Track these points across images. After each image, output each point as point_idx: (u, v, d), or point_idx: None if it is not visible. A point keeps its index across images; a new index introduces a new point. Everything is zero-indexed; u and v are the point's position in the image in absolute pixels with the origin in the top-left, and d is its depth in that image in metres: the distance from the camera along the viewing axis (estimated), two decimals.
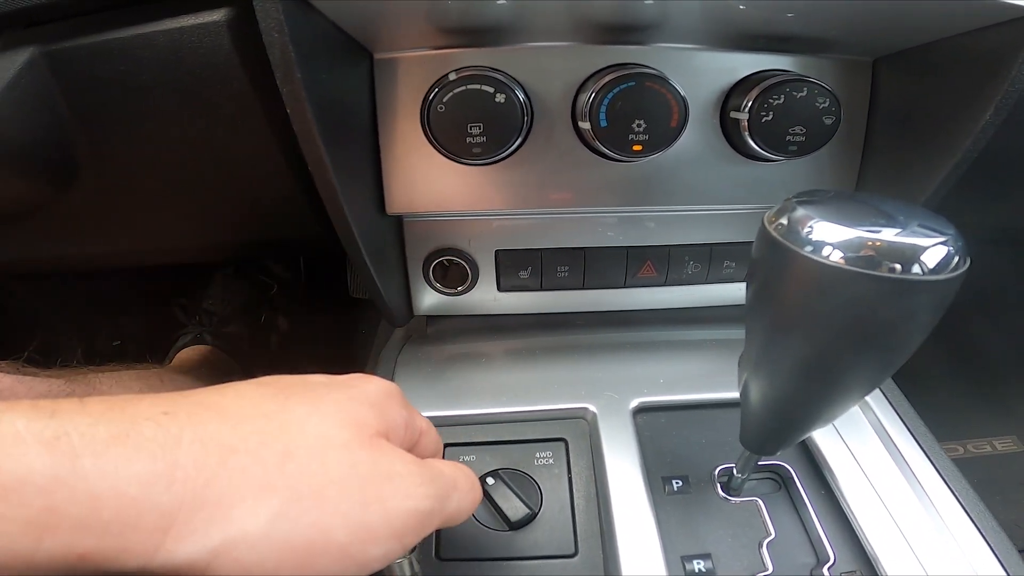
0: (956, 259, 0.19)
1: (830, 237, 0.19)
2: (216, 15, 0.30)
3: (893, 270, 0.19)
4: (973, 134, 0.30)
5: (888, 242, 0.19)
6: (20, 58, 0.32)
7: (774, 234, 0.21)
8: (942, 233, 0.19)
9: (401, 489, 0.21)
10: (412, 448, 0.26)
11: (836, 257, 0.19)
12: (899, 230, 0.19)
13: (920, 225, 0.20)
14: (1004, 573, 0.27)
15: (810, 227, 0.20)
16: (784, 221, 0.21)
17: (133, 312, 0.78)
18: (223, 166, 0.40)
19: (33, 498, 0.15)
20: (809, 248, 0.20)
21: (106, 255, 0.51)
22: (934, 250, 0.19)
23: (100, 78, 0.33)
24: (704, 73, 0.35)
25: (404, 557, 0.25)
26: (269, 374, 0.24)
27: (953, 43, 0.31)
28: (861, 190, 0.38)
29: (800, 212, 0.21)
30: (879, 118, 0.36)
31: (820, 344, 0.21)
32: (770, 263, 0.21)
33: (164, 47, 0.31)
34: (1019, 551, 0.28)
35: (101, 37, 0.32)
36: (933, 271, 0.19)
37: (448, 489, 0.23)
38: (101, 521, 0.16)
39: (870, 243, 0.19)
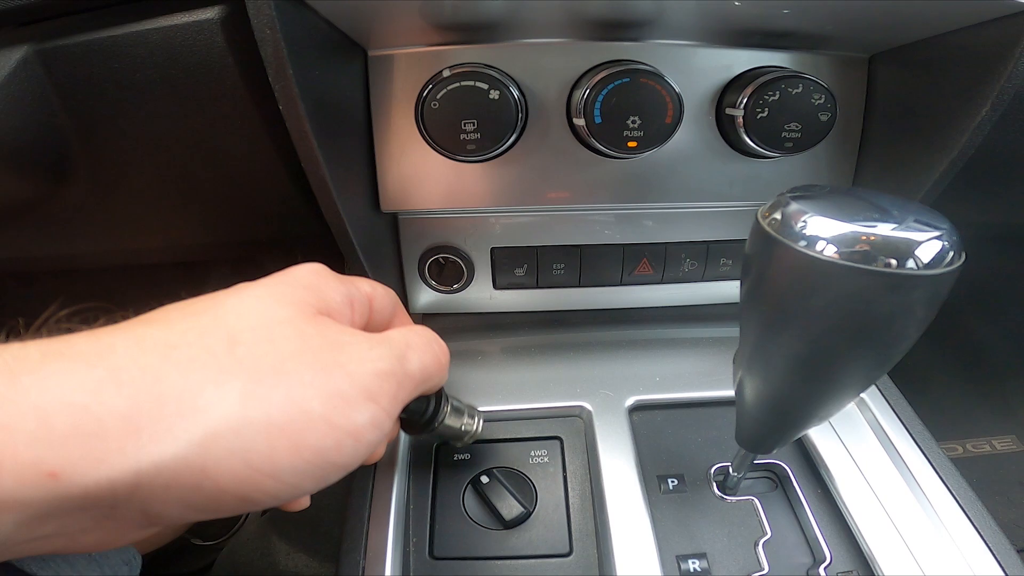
0: (951, 254, 0.19)
1: (824, 232, 0.19)
2: (209, 12, 0.30)
3: (888, 265, 0.18)
4: (969, 130, 0.30)
5: (883, 237, 0.19)
6: (14, 56, 0.32)
7: (768, 229, 0.21)
8: (937, 228, 0.19)
9: (355, 355, 0.21)
10: (369, 319, 0.26)
11: (830, 252, 0.19)
12: (894, 225, 0.19)
13: (915, 220, 0.19)
14: (1002, 573, 0.27)
15: (804, 222, 0.20)
16: (778, 216, 0.21)
17: (129, 310, 0.78)
18: (219, 163, 0.40)
19: None
20: (803, 243, 0.20)
21: (103, 253, 0.51)
22: (929, 245, 0.18)
23: (94, 76, 0.33)
24: (700, 69, 0.35)
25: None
26: None
27: (950, 39, 0.31)
28: (857, 186, 0.37)
29: (794, 207, 0.20)
30: (876, 114, 0.36)
31: (814, 340, 0.21)
32: (764, 258, 0.21)
33: (157, 45, 0.31)
34: (1018, 551, 0.28)
35: (94, 35, 0.31)
36: (928, 266, 0.18)
37: (402, 348, 0.23)
38: (56, 433, 0.15)
39: (864, 238, 0.19)
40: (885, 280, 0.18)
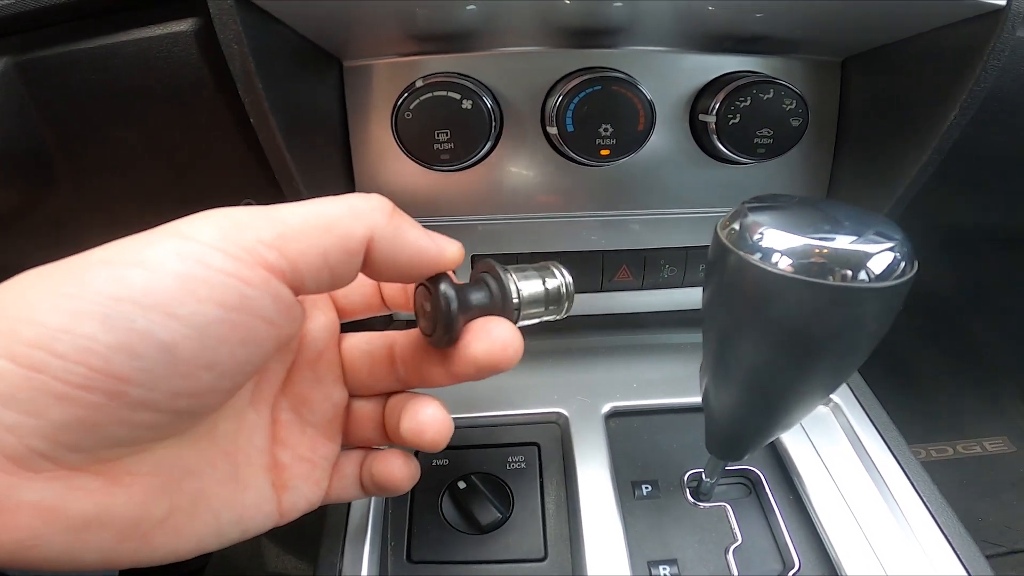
0: (903, 265, 0.19)
1: (779, 244, 0.19)
2: (183, 25, 0.30)
3: (843, 277, 0.19)
4: (940, 133, 0.30)
5: (834, 250, 0.19)
6: None
7: (725, 241, 0.21)
8: (890, 239, 0.19)
9: None
10: None
11: (784, 264, 0.19)
12: (850, 237, 0.19)
13: (872, 232, 0.19)
14: None
15: (760, 234, 0.20)
16: (736, 227, 0.21)
17: None
18: (200, 173, 0.40)
19: None
20: (758, 255, 0.20)
21: None
22: (880, 257, 0.19)
23: (72, 87, 0.33)
24: (673, 75, 0.35)
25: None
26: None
27: (922, 41, 0.31)
28: (831, 193, 0.37)
29: (751, 218, 0.21)
30: (849, 119, 0.36)
31: (770, 351, 0.21)
32: (721, 269, 0.21)
33: (134, 56, 0.31)
34: (1011, 552, 0.28)
35: (72, 47, 0.32)
36: (879, 278, 0.18)
37: None
38: None
39: (817, 251, 0.19)
40: (836, 293, 0.19)
